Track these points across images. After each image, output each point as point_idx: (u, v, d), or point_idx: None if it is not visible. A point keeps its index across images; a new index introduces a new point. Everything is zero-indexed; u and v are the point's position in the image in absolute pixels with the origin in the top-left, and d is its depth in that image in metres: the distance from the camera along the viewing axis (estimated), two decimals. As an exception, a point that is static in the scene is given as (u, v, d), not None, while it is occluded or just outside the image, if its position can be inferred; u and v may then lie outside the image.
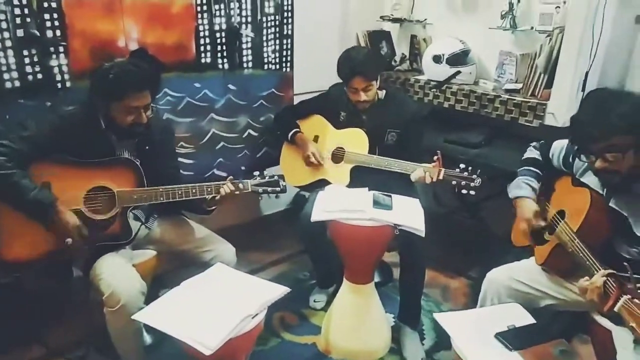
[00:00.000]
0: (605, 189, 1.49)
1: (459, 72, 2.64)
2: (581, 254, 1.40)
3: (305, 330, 2.17)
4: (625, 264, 1.23)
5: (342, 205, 1.86)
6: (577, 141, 1.47)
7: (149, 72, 1.64)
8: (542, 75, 2.31)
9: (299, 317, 2.26)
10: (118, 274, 1.60)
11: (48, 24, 1.80)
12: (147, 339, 1.95)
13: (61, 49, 1.85)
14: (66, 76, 1.88)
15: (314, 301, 2.34)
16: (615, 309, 1.17)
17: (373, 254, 1.96)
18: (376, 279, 2.49)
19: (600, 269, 1.29)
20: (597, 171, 1.39)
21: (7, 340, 1.95)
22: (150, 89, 1.64)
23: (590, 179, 1.54)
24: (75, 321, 1.99)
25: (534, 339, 1.41)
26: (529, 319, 1.51)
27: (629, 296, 1.16)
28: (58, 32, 1.83)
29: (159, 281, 1.94)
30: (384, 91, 2.28)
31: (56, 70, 1.86)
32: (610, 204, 1.46)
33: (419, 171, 1.98)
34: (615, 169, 1.34)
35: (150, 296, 1.66)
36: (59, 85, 1.88)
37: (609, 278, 1.23)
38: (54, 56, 1.84)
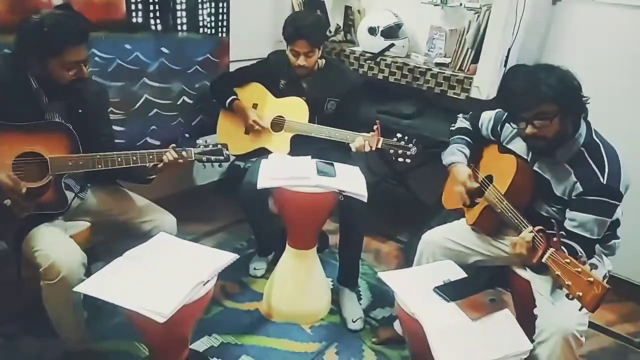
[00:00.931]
0: (530, 154, 1.65)
1: (392, 45, 2.72)
2: (509, 214, 1.55)
3: (247, 298, 2.19)
4: (552, 220, 1.39)
5: (287, 172, 1.89)
6: (509, 109, 1.60)
7: (85, 23, 1.52)
8: (469, 51, 2.46)
9: (240, 285, 2.27)
10: (56, 244, 1.50)
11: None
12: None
13: (-25, 0, 1.64)
14: (-19, 31, 1.68)
15: (254, 269, 2.36)
16: (543, 260, 1.33)
17: (317, 220, 2.01)
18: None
19: (527, 226, 1.45)
20: (526, 137, 1.54)
21: None
22: (87, 42, 1.52)
23: (517, 146, 1.70)
24: (2, 298, 1.84)
25: (467, 290, 1.56)
26: (462, 274, 1.66)
27: (553, 249, 1.31)
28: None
29: (92, 254, 1.84)
30: (324, 60, 2.30)
31: (-31, 24, 1.65)
32: (535, 168, 1.63)
33: (359, 140, 2.04)
34: (543, 134, 1.49)
35: (88, 269, 1.58)
36: (-26, 40, 1.68)
37: (537, 233, 1.38)
38: (-34, 8, 1.63)
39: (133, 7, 2.10)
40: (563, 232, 1.43)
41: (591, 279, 1.17)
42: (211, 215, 2.76)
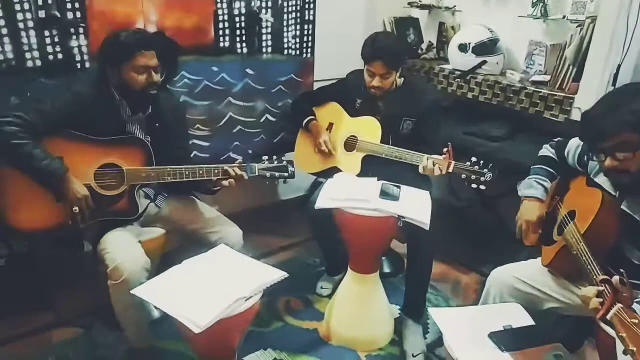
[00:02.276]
0: (617, 191, 1.41)
1: (484, 62, 2.55)
2: (583, 258, 1.33)
3: (308, 316, 2.19)
4: (621, 270, 1.17)
5: (347, 193, 1.85)
6: (586, 138, 1.39)
7: (156, 36, 1.71)
8: (570, 67, 2.20)
9: (304, 302, 2.28)
10: (123, 248, 1.65)
11: (69, 5, 1.85)
12: (155, 313, 2.02)
13: (81, 30, 1.90)
14: (85, 57, 1.94)
15: (321, 287, 2.35)
16: (608, 316, 1.11)
17: (377, 244, 1.94)
18: (386, 269, 2.50)
19: (598, 274, 1.23)
20: (607, 170, 1.32)
21: (19, 305, 2.06)
22: (156, 51, 1.67)
23: (604, 180, 1.46)
24: (84, 292, 2.09)
25: (528, 341, 1.36)
26: (528, 320, 1.46)
27: (621, 305, 1.09)
28: (78, 14, 1.88)
29: (167, 259, 1.99)
30: (402, 79, 2.23)
31: (76, 50, 1.92)
32: (622, 207, 1.38)
33: (425, 162, 1.93)
34: (626, 168, 1.26)
35: (158, 273, 1.72)
36: (79, 65, 1.94)
37: (605, 285, 1.17)
38: (73, 37, 1.90)
39: (221, 32, 2.26)
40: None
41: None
42: (290, 230, 2.82)
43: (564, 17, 2.28)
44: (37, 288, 2.14)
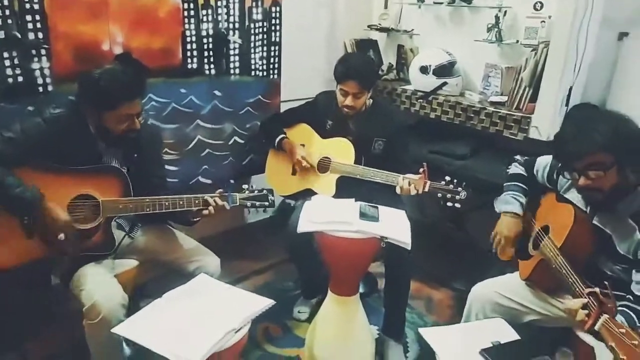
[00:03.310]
0: (588, 206, 1.50)
1: (445, 84, 2.66)
2: (564, 271, 1.41)
3: (288, 343, 2.14)
4: (605, 282, 1.25)
5: (328, 216, 1.85)
6: (560, 158, 1.48)
7: (140, 78, 1.62)
8: (527, 89, 2.34)
9: (283, 328, 2.24)
10: (99, 285, 1.56)
11: (30, 25, 1.75)
12: (127, 350, 1.91)
13: (43, 51, 1.80)
14: (48, 79, 1.83)
15: (298, 312, 2.32)
16: (596, 327, 1.18)
17: (359, 266, 1.94)
18: (361, 289, 2.49)
19: (582, 287, 1.30)
20: (580, 189, 1.41)
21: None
22: (141, 97, 1.61)
23: (574, 196, 1.56)
24: (53, 332, 1.93)
25: (518, 356, 1.42)
26: (513, 335, 1.52)
27: (607, 316, 1.16)
28: (40, 35, 1.78)
29: (140, 291, 1.90)
30: (371, 100, 2.28)
31: (38, 73, 1.81)
32: (594, 222, 1.48)
33: (402, 182, 1.98)
34: (598, 186, 1.35)
35: (132, 305, 1.62)
36: (41, 88, 1.83)
37: (590, 297, 1.24)
38: (35, 59, 1.79)
39: (189, 53, 2.22)
40: (631, 297, 1.27)
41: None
42: (261, 253, 2.77)
43: (517, 41, 2.43)
44: (1, 328, 1.96)
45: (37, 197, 1.47)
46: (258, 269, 2.65)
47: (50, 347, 1.93)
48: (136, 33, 2.03)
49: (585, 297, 1.27)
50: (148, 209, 1.64)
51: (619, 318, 1.25)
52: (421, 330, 1.53)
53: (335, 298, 1.99)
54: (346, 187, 2.16)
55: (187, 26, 2.17)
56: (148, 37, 2.07)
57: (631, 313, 1.28)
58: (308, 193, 2.24)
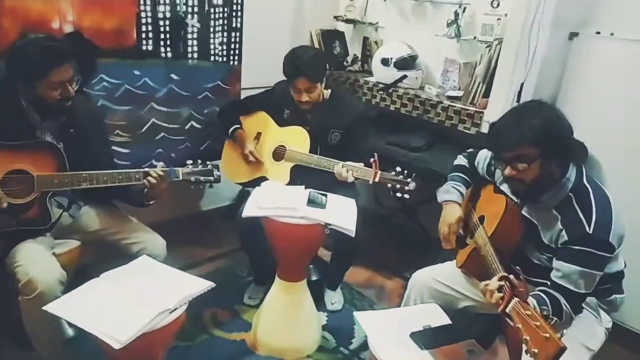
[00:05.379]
0: (518, 198, 1.55)
1: (405, 77, 2.68)
2: (489, 258, 1.45)
3: (236, 327, 2.15)
4: (517, 268, 1.29)
5: (275, 202, 1.86)
6: (492, 148, 1.52)
7: (66, 44, 1.59)
8: (480, 84, 2.38)
9: (232, 313, 2.24)
10: (36, 261, 1.54)
11: (-27, -1, 1.71)
12: (69, 331, 1.89)
13: (-13, 26, 1.76)
14: (-8, 55, 1.79)
15: (249, 298, 2.33)
16: (507, 310, 1.22)
17: (304, 252, 1.97)
18: (314, 277, 2.52)
19: (500, 272, 1.34)
20: (506, 178, 1.45)
21: None
22: (70, 62, 1.58)
23: (507, 188, 1.60)
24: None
25: (445, 339, 1.45)
26: (445, 320, 1.56)
27: (518, 299, 1.21)
28: (-16, 9, 1.74)
29: (83, 272, 1.88)
30: (329, 90, 2.29)
31: (-19, 48, 1.77)
32: (523, 212, 1.52)
33: (337, 167, 2.01)
34: (522, 178, 1.40)
35: (74, 287, 1.60)
36: (-16, 64, 1.79)
37: (505, 281, 1.28)
38: (-22, 34, 1.75)
39: (144, 35, 2.19)
40: (549, 282, 1.31)
41: (547, 335, 1.05)
42: (216, 240, 2.77)
43: (474, 38, 2.47)
44: None
45: None
46: (212, 255, 2.65)
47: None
48: (88, 12, 2.00)
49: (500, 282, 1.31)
50: (85, 183, 1.62)
51: (531, 300, 1.29)
52: (356, 314, 1.55)
53: (282, 284, 2.02)
54: (302, 176, 2.17)
55: (142, 7, 2.14)
56: (100, 16, 2.04)
57: (542, 295, 1.33)
58: (261, 182, 2.25)
